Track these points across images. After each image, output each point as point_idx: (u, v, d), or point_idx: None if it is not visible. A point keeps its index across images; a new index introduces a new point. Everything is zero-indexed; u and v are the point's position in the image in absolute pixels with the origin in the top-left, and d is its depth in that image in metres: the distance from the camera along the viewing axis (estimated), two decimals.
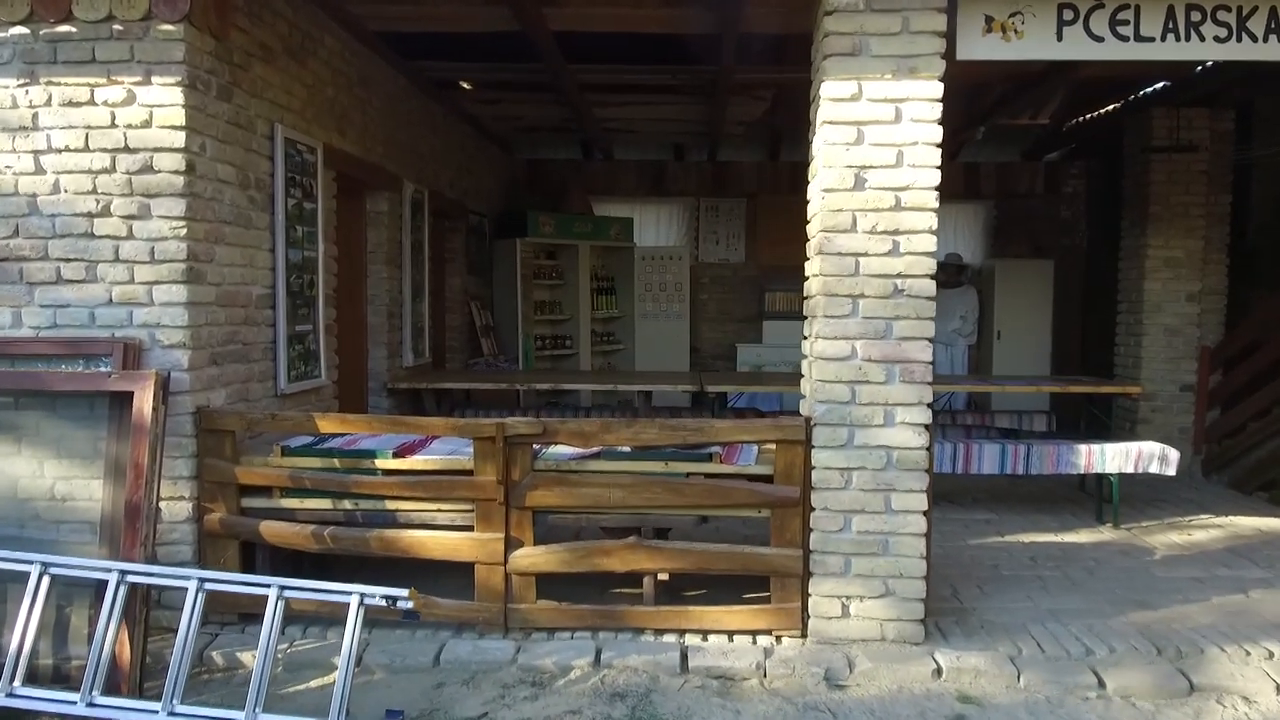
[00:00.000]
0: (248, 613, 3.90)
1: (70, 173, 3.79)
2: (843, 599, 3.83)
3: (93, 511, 3.71)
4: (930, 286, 3.74)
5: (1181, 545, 5.42)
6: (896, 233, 3.72)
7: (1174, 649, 3.81)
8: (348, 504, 4.02)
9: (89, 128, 3.78)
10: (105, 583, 3.31)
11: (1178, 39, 3.88)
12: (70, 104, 3.78)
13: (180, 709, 3.10)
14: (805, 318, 4.11)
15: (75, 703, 3.16)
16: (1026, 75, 6.61)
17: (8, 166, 3.80)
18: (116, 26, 3.74)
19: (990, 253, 10.23)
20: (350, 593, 3.19)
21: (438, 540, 3.94)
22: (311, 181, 4.87)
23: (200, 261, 3.88)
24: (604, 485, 3.93)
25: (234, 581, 3.36)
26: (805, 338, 4.04)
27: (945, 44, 3.70)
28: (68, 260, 3.81)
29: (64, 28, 3.76)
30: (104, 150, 3.78)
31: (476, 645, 3.81)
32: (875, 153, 3.71)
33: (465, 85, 7.21)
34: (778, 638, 3.90)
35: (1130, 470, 5.69)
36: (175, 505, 3.90)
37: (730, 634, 3.92)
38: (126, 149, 3.77)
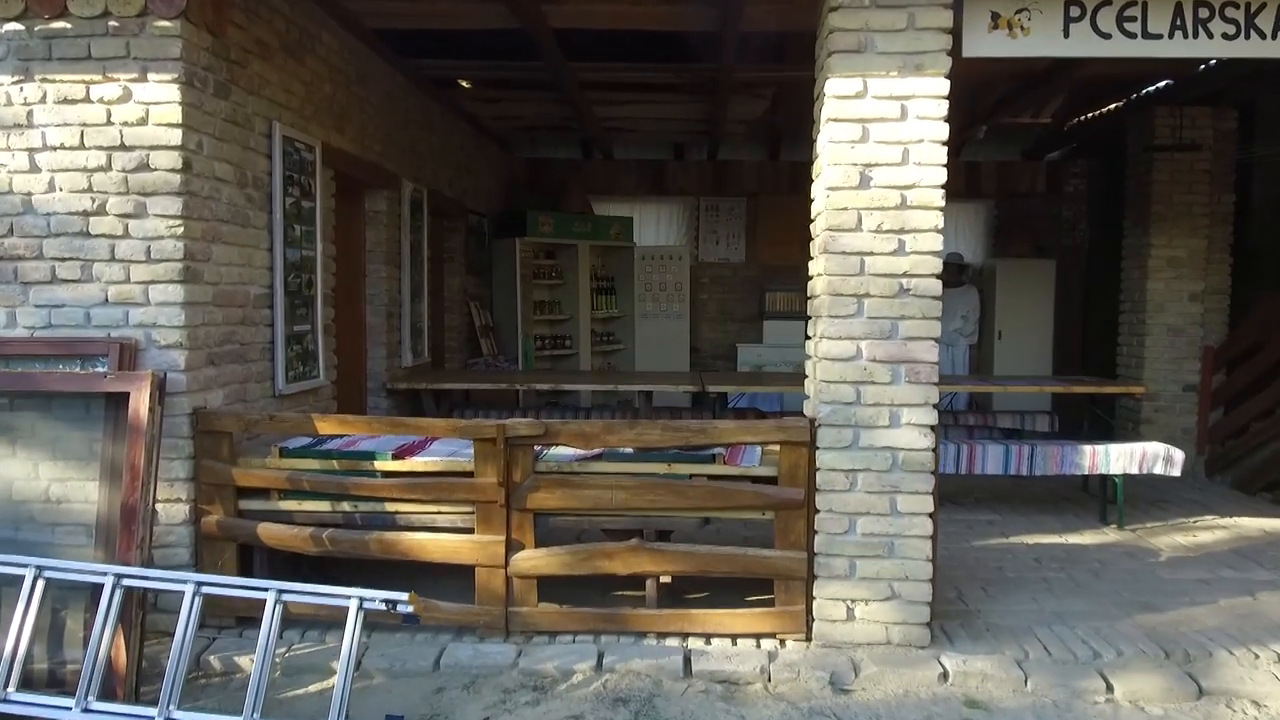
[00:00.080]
0: (245, 616, 3.85)
1: (65, 171, 3.75)
2: (847, 602, 3.79)
3: (88, 514, 3.66)
4: (936, 286, 3.70)
5: (1186, 547, 5.39)
6: (902, 231, 3.68)
7: (1182, 652, 3.77)
8: (347, 506, 3.97)
9: (84, 125, 3.73)
10: (101, 586, 3.27)
11: (1185, 36, 3.84)
12: (65, 101, 3.73)
13: (177, 714, 3.06)
14: (806, 317, 4.06)
15: (70, 708, 3.12)
16: (1029, 74, 6.59)
17: (2, 165, 3.76)
18: (112, 23, 3.69)
19: (991, 252, 10.20)
20: (349, 596, 3.15)
21: (438, 543, 3.90)
22: (310, 180, 4.83)
23: (197, 261, 3.83)
24: (606, 487, 3.89)
25: (231, 585, 3.32)
26: (809, 338, 3.99)
27: (951, 41, 3.66)
28: (63, 259, 3.77)
29: (59, 24, 3.71)
30: (100, 148, 3.73)
31: (477, 649, 3.77)
32: (881, 150, 3.68)
33: (464, 84, 7.17)
34: (782, 641, 3.86)
35: (1135, 471, 5.66)
36: (172, 507, 3.86)
37: (734, 637, 3.89)
38: (122, 147, 3.73)
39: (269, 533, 3.91)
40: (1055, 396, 8.31)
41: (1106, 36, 3.84)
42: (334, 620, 3.73)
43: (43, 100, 3.74)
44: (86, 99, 3.73)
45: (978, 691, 3.53)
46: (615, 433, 3.92)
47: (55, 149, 3.75)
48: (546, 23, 5.32)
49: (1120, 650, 3.79)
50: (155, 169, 3.72)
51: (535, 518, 3.90)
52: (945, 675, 3.58)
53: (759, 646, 3.83)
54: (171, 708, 3.06)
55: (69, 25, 3.71)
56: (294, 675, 3.62)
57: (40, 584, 3.30)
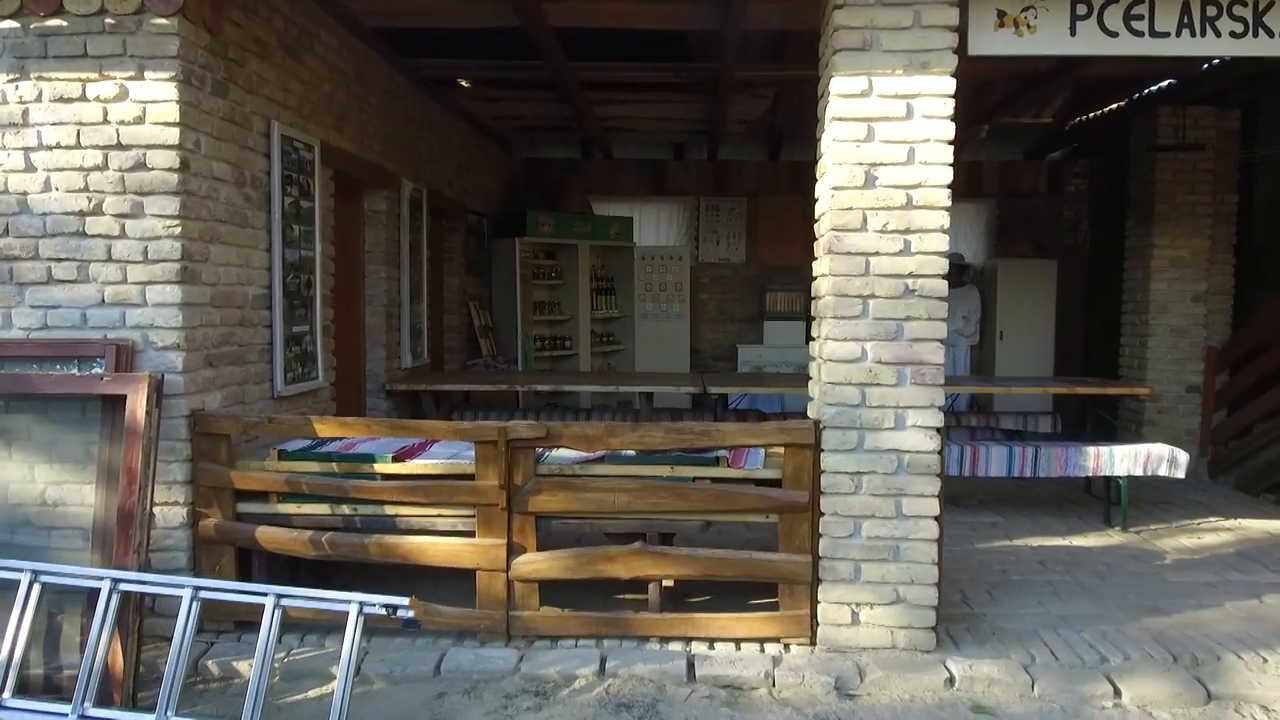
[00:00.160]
0: (244, 620, 3.81)
1: (61, 170, 3.71)
2: (853, 606, 3.75)
3: (85, 517, 3.62)
4: (942, 287, 3.67)
5: (1192, 549, 5.35)
6: (908, 231, 3.65)
7: (1190, 656, 3.74)
8: (346, 509, 3.93)
9: (81, 124, 3.69)
10: (97, 591, 3.23)
11: (1193, 34, 3.81)
12: (61, 100, 3.69)
13: None
14: (808, 318, 4.03)
15: (67, 714, 3.10)
16: (1031, 73, 6.55)
17: None
18: (109, 20, 3.65)
19: (993, 252, 10.17)
20: (349, 601, 3.11)
21: (438, 546, 3.86)
22: (309, 180, 4.79)
23: (195, 261, 3.79)
24: (608, 490, 3.85)
25: (230, 590, 3.28)
26: (814, 339, 3.96)
27: (957, 39, 3.63)
28: (59, 260, 3.73)
29: (55, 21, 3.67)
30: (96, 147, 3.69)
31: (478, 654, 3.73)
32: (886, 150, 3.64)
33: (464, 83, 7.13)
34: (786, 646, 3.82)
35: (1139, 473, 5.63)
36: (169, 511, 3.81)
37: (738, 642, 3.85)
38: (119, 146, 3.68)
39: (268, 536, 3.87)
40: (1057, 397, 8.28)
41: (1114, 35, 3.81)
42: (333, 625, 3.69)
43: (38, 99, 3.70)
44: (83, 97, 3.69)
45: (984, 696, 3.49)
46: (618, 435, 3.88)
47: (51, 148, 3.71)
48: (547, 21, 5.28)
49: (1127, 654, 3.75)
50: (152, 168, 3.68)
51: (537, 521, 3.87)
52: (951, 680, 3.55)
53: (763, 651, 3.79)
54: (169, 713, 3.02)
55: (65, 23, 3.67)
56: (293, 680, 3.58)
57: (36, 588, 3.26)
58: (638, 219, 10.45)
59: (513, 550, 3.84)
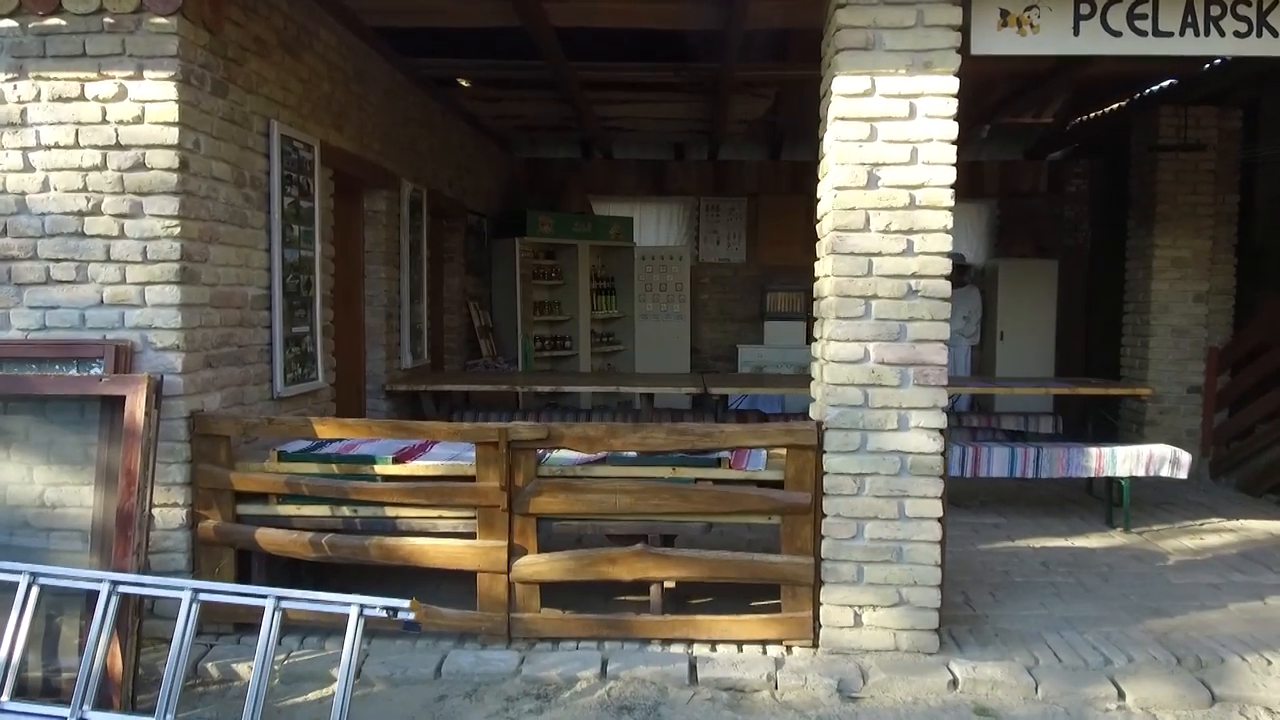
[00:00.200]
0: (244, 623, 3.80)
1: (60, 170, 3.69)
2: (855, 608, 3.74)
3: (83, 519, 3.60)
4: (945, 287, 3.65)
5: (1194, 550, 5.34)
6: (911, 232, 3.63)
7: (1194, 658, 3.72)
8: (346, 510, 3.92)
9: (79, 124, 3.67)
10: (96, 593, 3.21)
11: (1197, 34, 3.80)
12: (60, 99, 3.68)
13: None
14: (808, 318, 4.02)
15: (65, 717, 3.07)
16: (1031, 73, 6.53)
17: None
18: (108, 19, 3.64)
19: (993, 252, 10.16)
20: (349, 603, 3.09)
21: (439, 548, 3.84)
22: (308, 179, 4.77)
23: (194, 261, 3.77)
24: (610, 491, 3.83)
25: (229, 592, 3.26)
26: (816, 339, 3.94)
27: (960, 38, 3.61)
28: (57, 260, 3.71)
29: (53, 20, 3.65)
30: (95, 147, 3.67)
31: (479, 656, 3.72)
32: (889, 149, 3.62)
33: (464, 83, 7.11)
34: (788, 648, 3.80)
35: (1141, 474, 5.62)
36: (168, 512, 3.80)
37: (739, 644, 3.83)
38: (118, 146, 3.67)
39: (267, 538, 3.85)
40: (1058, 398, 8.26)
41: (1117, 34, 3.79)
42: (334, 627, 3.67)
43: (37, 98, 3.68)
44: (81, 97, 3.67)
45: (988, 699, 3.47)
46: (619, 436, 3.87)
47: (50, 148, 3.69)
48: (548, 21, 5.26)
49: (1131, 656, 3.74)
50: (151, 168, 3.66)
51: (538, 522, 3.85)
52: (955, 682, 3.53)
53: (765, 653, 3.77)
54: (169, 716, 3.00)
55: (63, 22, 3.65)
56: (293, 683, 3.57)
57: (35, 591, 3.24)
58: (638, 219, 10.44)
59: (514, 552, 3.82)
